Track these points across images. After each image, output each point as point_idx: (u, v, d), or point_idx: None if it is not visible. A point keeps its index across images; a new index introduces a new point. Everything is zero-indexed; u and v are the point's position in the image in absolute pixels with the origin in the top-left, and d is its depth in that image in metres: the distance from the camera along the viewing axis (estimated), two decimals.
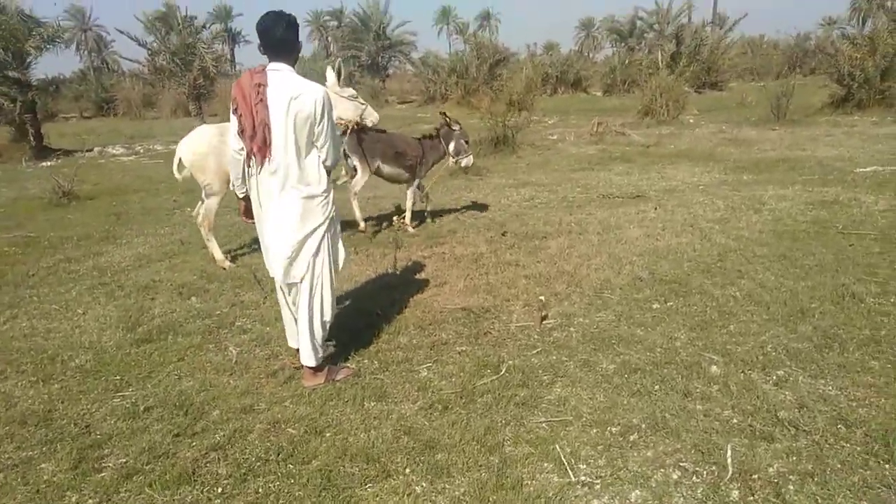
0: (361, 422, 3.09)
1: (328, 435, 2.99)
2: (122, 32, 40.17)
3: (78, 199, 9.56)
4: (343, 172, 6.52)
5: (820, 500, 2.41)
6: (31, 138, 15.06)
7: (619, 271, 5.08)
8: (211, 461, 2.80)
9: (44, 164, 14.58)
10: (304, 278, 3.39)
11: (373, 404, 3.25)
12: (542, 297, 4.30)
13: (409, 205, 6.78)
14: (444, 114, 6.58)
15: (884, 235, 5.76)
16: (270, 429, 3.06)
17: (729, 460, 2.66)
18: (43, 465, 2.83)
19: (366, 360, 3.76)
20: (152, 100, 31.25)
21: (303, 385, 3.47)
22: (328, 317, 3.53)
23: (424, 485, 2.60)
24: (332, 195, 3.45)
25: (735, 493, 2.48)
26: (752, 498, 2.45)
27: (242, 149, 3.29)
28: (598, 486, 2.56)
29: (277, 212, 3.31)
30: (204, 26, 20.80)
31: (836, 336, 3.79)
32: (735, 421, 2.97)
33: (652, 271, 5.06)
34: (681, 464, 2.68)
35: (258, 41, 3.26)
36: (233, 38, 69.44)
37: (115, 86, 34.44)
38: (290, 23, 3.26)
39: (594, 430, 2.94)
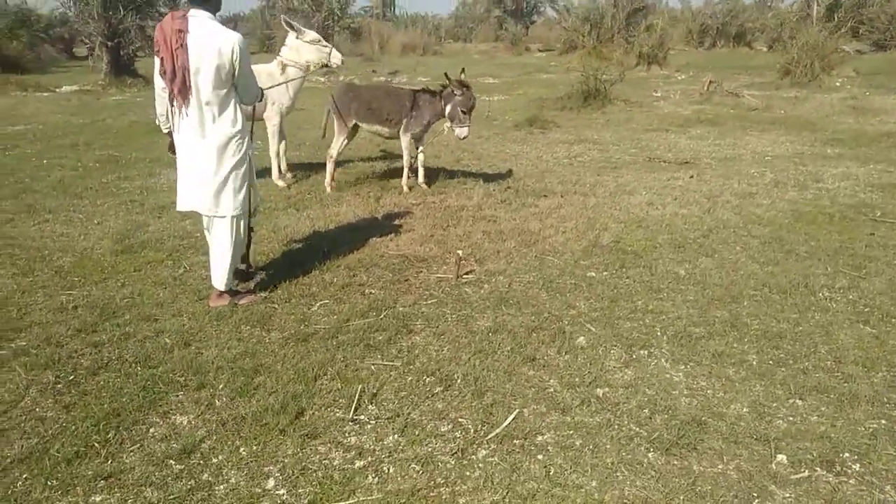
0: (226, 341, 3.43)
1: (192, 347, 3.37)
2: None
3: None
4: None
5: (552, 472, 2.40)
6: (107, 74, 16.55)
7: (584, 236, 4.94)
8: (83, 355, 3.29)
9: None
10: (229, 211, 3.75)
11: (247, 328, 3.58)
12: (459, 252, 4.35)
13: (405, 160, 6.31)
14: (447, 75, 6.02)
15: None
16: (152, 336, 3.49)
17: (506, 422, 2.69)
18: None
19: (279, 291, 4.07)
20: None
21: (208, 304, 3.87)
22: (243, 247, 3.91)
23: (225, 400, 2.90)
24: (247, 136, 3.75)
25: (483, 453, 2.53)
26: (492, 458, 2.49)
27: (165, 88, 3.66)
28: (368, 427, 2.72)
29: (199, 150, 3.65)
30: None
31: (742, 325, 3.53)
32: (551, 390, 2.95)
33: (619, 240, 4.88)
34: (460, 419, 2.75)
35: None
36: None
37: (272, 23, 36.87)
38: None
39: (410, 378, 3.07)
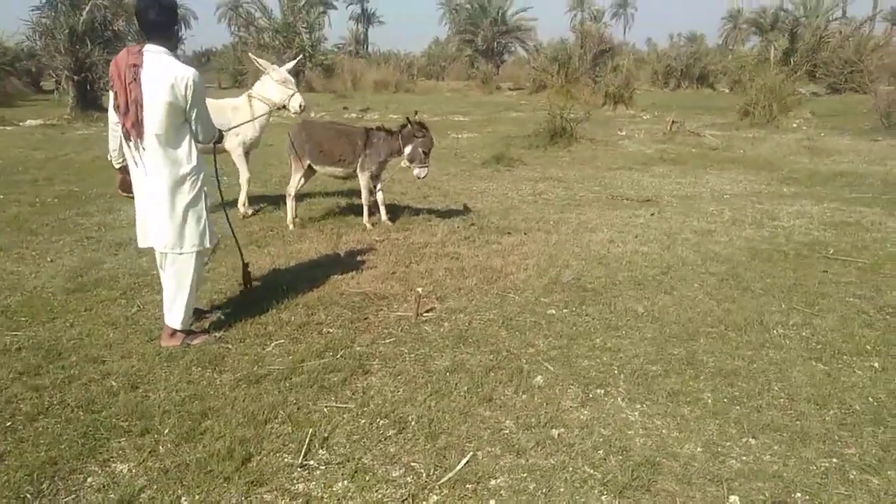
0: (175, 383, 3.33)
1: (139, 390, 3.26)
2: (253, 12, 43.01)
3: None
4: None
5: None
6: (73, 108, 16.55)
7: (545, 273, 4.96)
8: (23, 400, 3.15)
9: None
10: (188, 248, 3.69)
11: (198, 370, 3.48)
12: (419, 289, 4.33)
13: (364, 197, 6.30)
14: (409, 119, 6.01)
15: (875, 264, 5.20)
16: (98, 379, 3.37)
17: (459, 466, 2.64)
18: None
19: (234, 330, 3.98)
20: None
21: (159, 344, 3.77)
22: (201, 283, 3.86)
23: (169, 446, 2.79)
24: (201, 173, 3.70)
25: (434, 498, 2.48)
26: None
27: (118, 122, 3.60)
28: (317, 472, 2.64)
29: (155, 186, 3.58)
30: (303, 8, 21.85)
31: (698, 363, 3.54)
32: (507, 431, 2.91)
33: (579, 277, 4.90)
34: (412, 463, 2.69)
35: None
36: (367, 18, 71.69)
37: (244, 59, 37.04)
38: (162, 6, 3.49)
39: (364, 420, 3.00)
